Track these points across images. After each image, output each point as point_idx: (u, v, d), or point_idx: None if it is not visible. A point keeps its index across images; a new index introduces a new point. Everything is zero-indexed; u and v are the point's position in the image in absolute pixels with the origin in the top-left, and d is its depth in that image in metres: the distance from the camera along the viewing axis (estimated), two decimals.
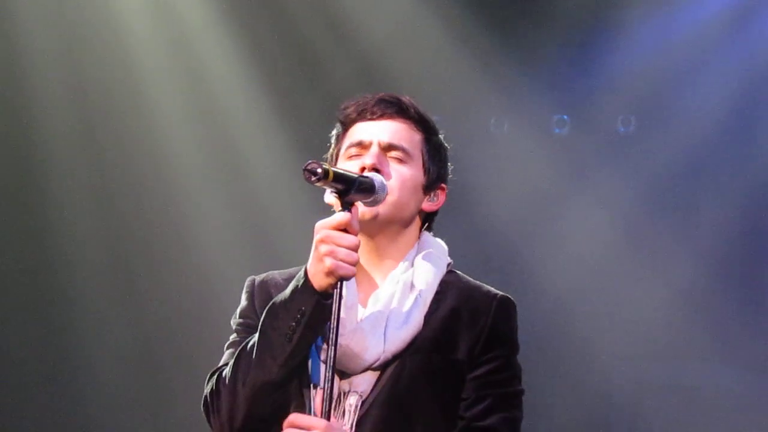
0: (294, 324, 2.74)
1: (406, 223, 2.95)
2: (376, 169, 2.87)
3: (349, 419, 2.81)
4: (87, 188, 6.46)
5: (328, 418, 2.69)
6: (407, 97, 3.00)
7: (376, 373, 2.82)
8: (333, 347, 2.70)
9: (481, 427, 2.82)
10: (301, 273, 2.75)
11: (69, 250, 6.47)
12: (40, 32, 6.27)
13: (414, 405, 2.82)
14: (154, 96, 6.42)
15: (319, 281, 2.71)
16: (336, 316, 2.71)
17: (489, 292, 2.91)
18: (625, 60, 6.39)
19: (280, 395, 2.81)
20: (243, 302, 2.96)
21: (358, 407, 2.81)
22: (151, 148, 6.48)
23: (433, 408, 2.84)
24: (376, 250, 2.93)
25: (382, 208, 2.87)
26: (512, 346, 2.89)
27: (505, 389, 2.86)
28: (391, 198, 2.87)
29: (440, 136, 3.03)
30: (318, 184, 2.70)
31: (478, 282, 2.95)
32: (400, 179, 2.90)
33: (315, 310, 2.73)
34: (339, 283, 2.71)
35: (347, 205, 2.73)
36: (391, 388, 2.81)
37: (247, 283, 2.99)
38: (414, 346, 2.83)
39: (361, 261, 2.88)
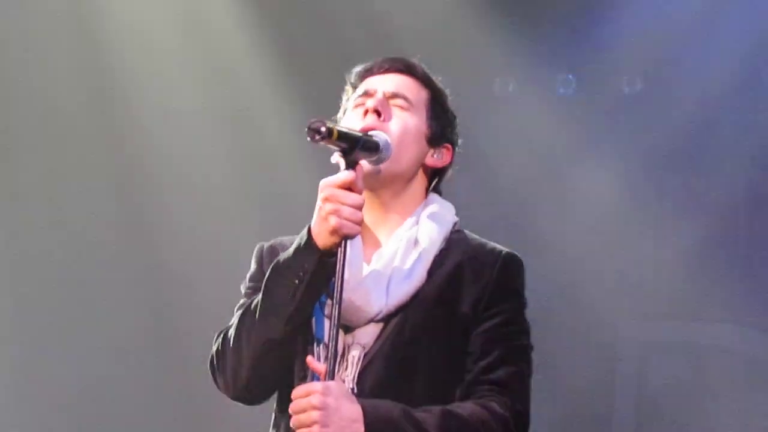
0: (297, 282, 2.75)
1: (410, 176, 2.96)
2: (377, 112, 2.89)
3: (352, 371, 2.81)
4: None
5: (332, 376, 2.70)
6: (417, 61, 3.02)
7: (379, 326, 2.83)
8: (337, 305, 2.71)
9: (488, 380, 2.82)
10: (304, 232, 2.76)
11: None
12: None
13: (416, 357, 2.83)
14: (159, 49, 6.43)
15: (323, 240, 2.72)
16: (340, 275, 2.71)
17: (495, 248, 2.93)
18: (630, 20, 6.33)
19: (284, 353, 2.82)
20: (252, 267, 2.98)
21: (361, 359, 2.82)
22: (155, 112, 6.46)
23: (435, 359, 2.85)
24: (381, 206, 2.95)
25: (389, 159, 2.87)
26: (519, 300, 2.90)
27: (512, 342, 2.87)
28: (392, 144, 2.88)
29: (448, 100, 3.05)
30: (322, 143, 2.71)
31: (484, 240, 2.96)
32: (401, 123, 2.92)
33: (318, 269, 2.74)
34: (343, 241, 2.71)
35: (351, 164, 2.73)
36: (393, 340, 2.82)
37: (256, 249, 3.00)
38: (417, 300, 2.84)
39: (368, 219, 2.90)
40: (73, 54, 6.35)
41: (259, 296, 2.81)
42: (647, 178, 6.33)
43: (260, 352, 2.81)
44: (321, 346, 2.83)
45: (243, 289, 2.98)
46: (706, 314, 6.30)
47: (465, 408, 2.78)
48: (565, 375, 6.31)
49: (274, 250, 2.96)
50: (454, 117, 3.05)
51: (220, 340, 2.88)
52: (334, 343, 2.70)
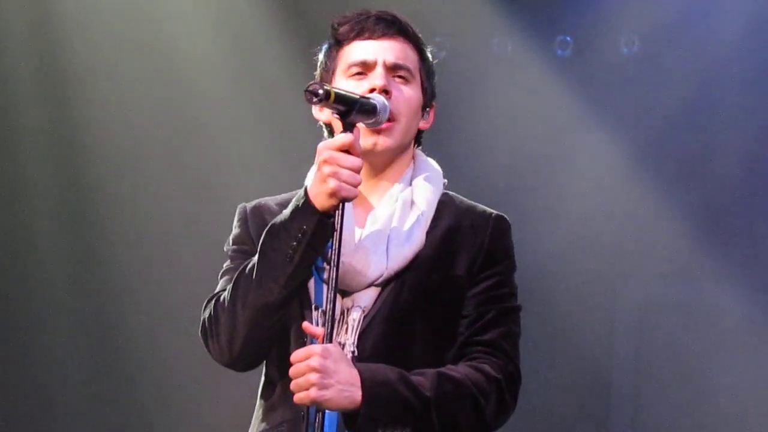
0: (295, 244, 2.73)
1: (407, 146, 2.97)
2: (386, 92, 2.86)
3: (352, 334, 2.82)
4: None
5: (330, 339, 2.69)
6: (401, 15, 2.98)
7: (378, 289, 2.84)
8: (335, 268, 2.70)
9: (481, 341, 2.85)
10: (302, 193, 2.75)
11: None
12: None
13: (414, 320, 2.84)
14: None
15: (321, 202, 2.71)
16: (338, 239, 2.70)
17: (485, 211, 2.95)
18: None
19: (280, 317, 2.81)
20: (235, 229, 2.96)
21: (360, 321, 2.82)
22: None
23: (432, 323, 2.87)
24: (374, 172, 2.94)
25: (392, 140, 2.89)
26: (510, 263, 2.93)
27: (503, 305, 2.90)
28: (400, 125, 2.89)
29: (429, 54, 3.02)
30: (319, 105, 2.72)
31: (472, 202, 2.98)
32: (408, 102, 2.92)
33: (317, 230, 2.72)
34: (341, 204, 2.71)
35: (349, 127, 2.72)
36: (392, 304, 2.83)
37: (238, 209, 2.98)
38: (415, 264, 2.85)
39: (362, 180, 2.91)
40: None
41: (254, 260, 2.78)
42: (647, 140, 6.32)
43: (257, 317, 2.78)
44: (319, 311, 2.82)
45: (228, 252, 2.95)
46: (703, 275, 6.32)
47: (458, 370, 2.80)
48: (565, 336, 6.36)
49: (257, 211, 2.95)
50: (434, 71, 3.04)
51: (212, 305, 2.85)
52: (331, 306, 2.69)
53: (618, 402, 6.48)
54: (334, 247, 2.71)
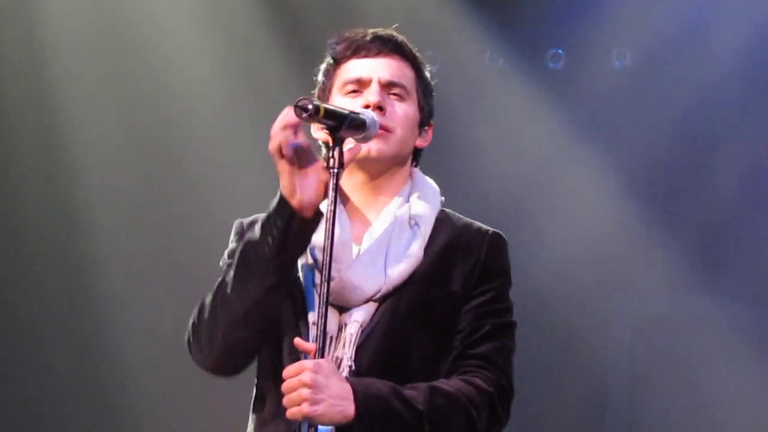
0: (270, 240, 2.74)
1: (403, 161, 2.99)
2: (380, 108, 2.89)
3: (349, 348, 2.82)
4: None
5: (322, 355, 2.70)
6: (398, 34, 3.00)
7: (376, 304, 2.84)
8: (326, 283, 2.70)
9: (475, 354, 2.86)
10: (278, 193, 2.75)
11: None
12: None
13: (411, 334, 2.85)
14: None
15: (288, 190, 2.72)
16: (329, 251, 2.69)
17: (481, 228, 2.97)
18: None
19: (262, 324, 2.80)
20: (231, 244, 2.96)
21: (357, 336, 2.83)
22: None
23: (429, 337, 2.88)
24: (373, 188, 2.96)
25: (385, 146, 2.91)
26: (505, 279, 2.95)
27: (498, 320, 2.91)
28: (395, 136, 2.91)
29: (427, 72, 3.05)
30: (309, 121, 2.71)
31: (469, 219, 3.00)
32: (403, 116, 2.94)
33: (290, 225, 2.73)
34: (330, 213, 2.70)
35: (338, 142, 2.73)
36: (389, 318, 2.84)
37: (235, 224, 2.99)
38: (412, 279, 2.86)
39: (356, 199, 2.96)
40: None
41: (235, 259, 2.81)
42: (640, 153, 6.34)
43: (236, 319, 2.79)
44: (312, 325, 2.83)
45: (223, 266, 2.96)
46: (697, 287, 6.33)
47: (451, 384, 2.81)
48: (560, 348, 6.38)
49: (253, 226, 2.94)
50: (432, 87, 3.07)
51: (196, 311, 2.86)
52: (323, 320, 2.69)
53: (613, 414, 6.49)
54: (324, 262, 2.71)
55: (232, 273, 2.79)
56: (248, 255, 2.77)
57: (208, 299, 2.82)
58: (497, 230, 2.98)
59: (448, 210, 3.01)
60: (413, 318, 2.86)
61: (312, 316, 2.83)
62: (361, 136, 2.79)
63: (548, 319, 6.13)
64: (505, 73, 6.53)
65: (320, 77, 3.02)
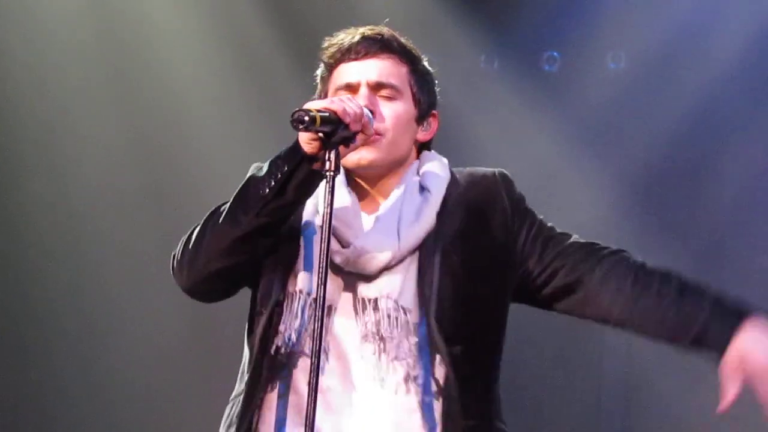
0: (273, 182, 2.79)
1: (404, 159, 3.02)
2: (370, 111, 2.88)
3: (393, 321, 2.85)
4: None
5: (321, 325, 2.68)
6: (387, 30, 3.05)
7: (397, 272, 2.88)
8: (326, 242, 2.71)
9: (606, 250, 3.06)
10: (294, 141, 2.80)
11: None
12: None
13: (476, 285, 2.93)
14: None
15: (305, 144, 2.77)
16: (327, 235, 2.70)
17: (486, 172, 3.08)
18: None
19: (245, 260, 2.85)
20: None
21: (423, 294, 2.85)
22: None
23: (492, 283, 2.96)
24: (376, 187, 3.01)
25: (377, 153, 2.94)
26: (528, 207, 3.09)
27: (552, 227, 3.09)
28: (386, 139, 2.94)
29: (425, 62, 3.08)
30: (306, 131, 2.75)
31: (468, 168, 3.09)
32: (393, 118, 2.97)
33: (297, 170, 2.77)
34: (330, 180, 2.74)
35: (334, 146, 2.76)
36: (447, 277, 2.88)
37: (252, 167, 3.00)
38: (438, 238, 2.92)
39: (363, 183, 3.00)
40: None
41: (235, 193, 2.88)
42: (635, 155, 6.36)
43: (220, 245, 2.83)
44: (304, 294, 2.87)
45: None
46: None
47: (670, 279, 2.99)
48: (557, 352, 6.40)
49: None
50: (432, 76, 3.10)
51: (186, 235, 2.93)
52: (322, 289, 2.69)
53: (608, 419, 6.52)
54: (324, 226, 2.71)
55: (228, 204, 2.84)
56: (248, 189, 2.82)
57: (200, 225, 2.88)
58: (501, 170, 3.08)
59: (452, 169, 3.07)
60: (470, 271, 2.91)
61: (302, 282, 2.87)
62: (350, 134, 2.83)
63: (544, 324, 6.12)
64: (501, 76, 6.58)
65: (318, 82, 3.06)
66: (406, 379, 2.86)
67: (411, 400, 2.85)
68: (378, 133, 2.92)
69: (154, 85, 6.42)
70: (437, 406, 2.85)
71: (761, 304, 6.14)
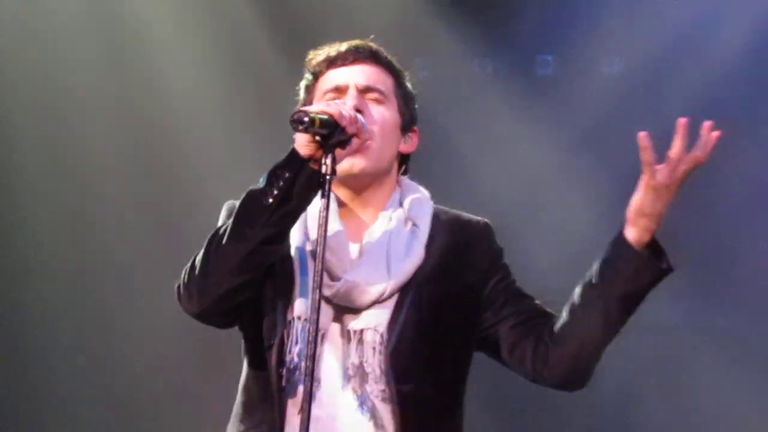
0: (276, 191, 2.83)
1: (389, 168, 3.09)
2: (358, 111, 2.95)
3: (377, 354, 2.92)
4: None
5: (314, 353, 2.75)
6: (375, 44, 3.12)
7: (385, 307, 2.95)
8: (318, 288, 2.77)
9: (533, 308, 3.09)
10: (290, 149, 2.86)
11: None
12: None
13: (440, 329, 2.99)
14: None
15: (302, 148, 2.83)
16: (323, 235, 2.77)
17: (471, 219, 3.14)
18: (606, 1, 6.45)
19: (251, 276, 2.88)
20: (222, 220, 3.03)
21: (386, 340, 2.93)
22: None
23: (456, 329, 3.03)
24: (362, 200, 3.08)
25: (367, 161, 3.00)
26: (503, 258, 3.15)
27: (519, 286, 3.14)
28: (375, 144, 3.00)
29: (407, 81, 3.15)
30: (305, 132, 2.81)
31: (454, 211, 3.15)
32: (381, 120, 3.04)
33: (299, 176, 2.83)
34: (326, 187, 2.80)
35: (330, 148, 2.82)
36: (415, 317, 2.96)
37: (226, 204, 3.06)
38: (421, 277, 2.99)
39: (347, 208, 3.06)
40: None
41: (236, 211, 2.91)
42: (630, 161, 6.29)
43: (228, 263, 2.86)
44: (301, 321, 2.91)
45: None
46: (685, 296, 6.37)
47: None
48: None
49: None
50: (414, 96, 3.16)
51: (189, 263, 2.94)
52: (314, 323, 2.74)
53: (607, 420, 6.56)
54: (318, 264, 2.76)
55: (230, 223, 2.87)
56: (250, 204, 2.85)
57: (201, 251, 2.90)
58: (486, 220, 3.15)
59: (435, 205, 3.13)
60: (437, 315, 2.98)
61: (300, 308, 2.92)
62: (346, 137, 2.88)
63: None
64: (494, 79, 6.59)
65: (302, 93, 3.13)
66: (374, 413, 2.95)
67: None
68: (367, 137, 2.97)
69: (154, 89, 6.45)
70: None
71: (745, 301, 6.33)
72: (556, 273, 6.12)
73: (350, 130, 2.86)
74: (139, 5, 6.41)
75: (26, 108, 6.45)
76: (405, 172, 3.17)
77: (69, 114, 6.45)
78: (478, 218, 3.15)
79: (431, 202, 3.13)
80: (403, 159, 3.15)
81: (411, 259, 3.00)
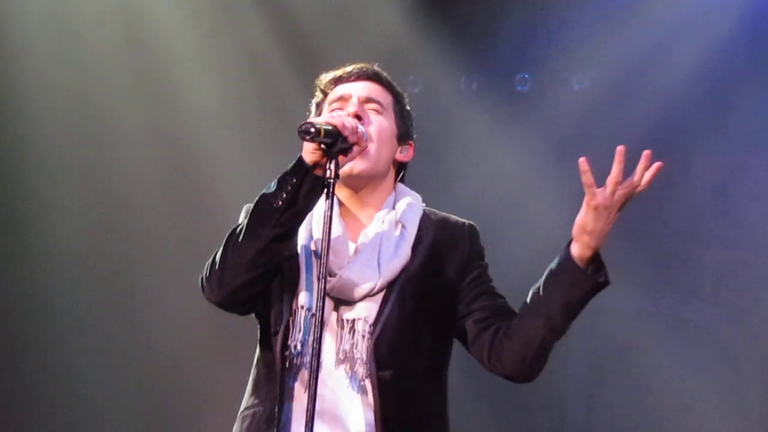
0: (284, 195, 2.98)
1: (385, 172, 3.25)
2: (358, 117, 3.14)
3: (366, 341, 3.07)
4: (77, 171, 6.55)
5: (320, 341, 2.91)
6: (377, 67, 3.33)
7: (376, 300, 3.11)
8: (324, 267, 2.93)
9: (496, 306, 3.19)
10: (297, 157, 3.02)
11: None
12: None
13: (420, 321, 3.13)
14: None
15: (308, 155, 2.99)
16: (327, 231, 2.92)
17: (457, 222, 3.29)
18: (577, 26, 6.59)
19: (264, 267, 3.03)
20: (240, 220, 3.16)
21: (373, 330, 3.08)
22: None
23: (435, 320, 3.16)
24: (359, 200, 3.24)
25: (365, 164, 3.16)
26: (484, 260, 3.30)
27: (492, 285, 3.27)
28: (373, 148, 3.17)
29: (405, 101, 3.34)
30: (311, 141, 2.99)
31: (443, 213, 3.31)
32: (379, 127, 3.21)
33: (305, 181, 2.98)
34: (331, 187, 2.96)
35: (333, 155, 2.99)
36: (399, 311, 3.10)
37: (245, 207, 3.21)
38: (407, 274, 3.14)
39: (347, 207, 3.24)
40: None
41: (250, 212, 3.06)
42: (600, 168, 6.32)
43: (244, 257, 3.00)
44: (304, 310, 3.07)
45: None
46: (647, 283, 6.59)
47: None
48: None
49: None
50: (411, 114, 3.34)
51: (210, 258, 3.09)
52: (320, 313, 2.90)
53: (572, 398, 6.78)
54: (323, 255, 2.92)
55: (244, 223, 3.03)
56: (262, 206, 3.00)
57: (221, 249, 3.06)
58: (471, 222, 3.30)
59: (426, 208, 3.29)
60: (417, 310, 3.12)
61: (303, 299, 3.07)
62: (348, 146, 3.03)
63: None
64: (479, 95, 6.77)
65: (313, 109, 3.31)
66: (363, 392, 3.07)
67: (366, 410, 3.07)
68: (368, 138, 3.11)
69: (180, 109, 6.58)
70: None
71: (700, 289, 6.41)
72: (529, 264, 6.20)
73: (351, 139, 2.98)
74: (168, 35, 6.50)
75: (64, 126, 6.50)
76: (402, 180, 3.31)
77: (103, 132, 6.54)
78: (464, 220, 3.27)
79: (422, 206, 3.25)
80: (401, 167, 3.29)
81: (398, 258, 3.12)
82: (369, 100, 3.23)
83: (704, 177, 6.64)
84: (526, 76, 6.84)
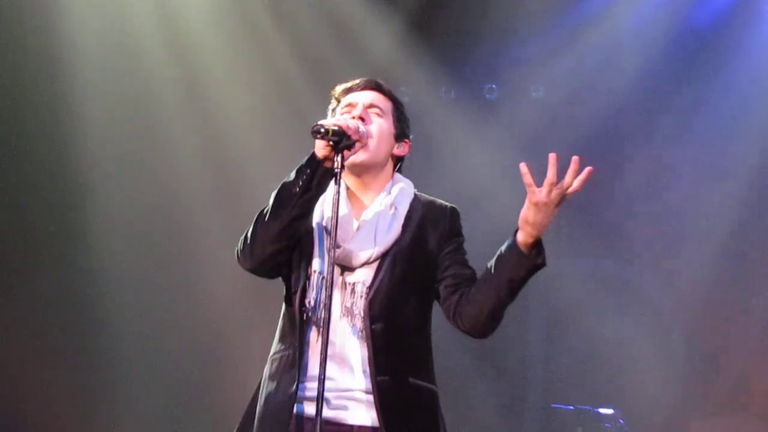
0: (300, 183, 3.28)
1: (384, 163, 3.53)
2: (362, 118, 3.44)
3: (363, 300, 3.37)
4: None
5: (330, 299, 3.23)
6: (381, 81, 3.63)
7: (372, 267, 3.42)
8: (334, 248, 3.28)
9: (464, 274, 3.48)
10: (311, 152, 3.32)
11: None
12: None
13: (407, 287, 3.43)
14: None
15: (319, 151, 3.29)
16: (335, 213, 3.26)
17: (443, 204, 3.59)
18: (534, 45, 7.13)
19: (288, 241, 3.32)
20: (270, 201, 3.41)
21: (368, 291, 3.38)
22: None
23: (419, 284, 3.47)
24: (363, 185, 3.52)
25: (366, 154, 3.43)
26: (461, 236, 3.59)
27: (465, 257, 3.55)
28: (373, 142, 3.47)
29: (403, 108, 3.63)
30: (322, 139, 3.28)
31: (431, 197, 3.61)
32: (378, 127, 3.50)
33: (316, 171, 3.29)
34: (338, 173, 3.27)
35: (340, 150, 3.29)
36: (389, 276, 3.41)
37: (273, 191, 3.42)
38: (398, 246, 3.44)
39: (353, 191, 3.52)
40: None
41: (273, 196, 3.34)
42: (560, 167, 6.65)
43: (270, 233, 3.30)
44: (316, 274, 3.37)
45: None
46: (592, 251, 7.04)
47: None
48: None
49: None
50: (408, 119, 3.62)
51: (245, 232, 3.37)
52: (330, 276, 3.22)
53: (533, 354, 7.28)
54: (332, 233, 3.25)
55: (270, 203, 3.33)
56: (282, 192, 3.30)
57: (252, 226, 3.35)
58: (454, 205, 3.57)
59: (417, 192, 3.58)
60: (405, 275, 3.41)
61: (316, 265, 3.37)
62: (351, 142, 3.33)
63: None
64: (455, 103, 7.31)
65: (329, 113, 3.60)
66: (362, 341, 3.35)
67: (365, 354, 3.35)
68: (368, 135, 3.40)
69: (212, 102, 6.98)
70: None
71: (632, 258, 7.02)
72: (494, 244, 6.17)
73: (354, 137, 3.30)
74: (208, 55, 6.94)
75: (124, 130, 6.88)
76: (399, 170, 3.59)
77: (157, 135, 6.92)
78: (448, 204, 3.54)
79: (413, 190, 3.52)
80: (398, 160, 3.56)
81: (391, 233, 3.41)
82: (372, 105, 3.52)
83: (638, 166, 7.12)
84: (494, 86, 7.34)
